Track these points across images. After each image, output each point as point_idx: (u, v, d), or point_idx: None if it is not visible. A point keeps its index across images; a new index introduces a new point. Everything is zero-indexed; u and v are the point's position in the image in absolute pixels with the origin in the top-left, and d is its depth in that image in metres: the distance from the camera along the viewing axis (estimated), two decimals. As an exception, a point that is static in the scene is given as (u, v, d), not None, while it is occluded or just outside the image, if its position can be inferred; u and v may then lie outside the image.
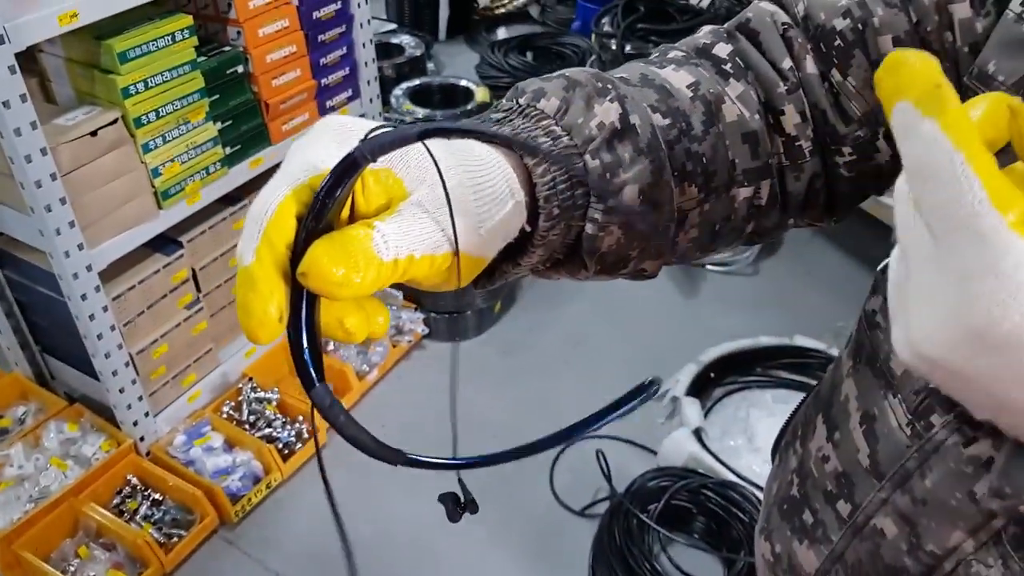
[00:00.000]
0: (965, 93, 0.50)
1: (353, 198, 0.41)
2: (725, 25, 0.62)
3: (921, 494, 0.51)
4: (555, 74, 0.53)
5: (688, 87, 0.55)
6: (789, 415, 0.73)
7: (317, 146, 0.42)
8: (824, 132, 0.59)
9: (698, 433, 2.04)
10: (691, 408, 2.10)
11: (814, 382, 2.21)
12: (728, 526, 1.87)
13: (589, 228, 0.50)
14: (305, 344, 0.40)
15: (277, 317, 0.38)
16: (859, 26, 0.55)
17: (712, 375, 2.26)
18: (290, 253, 0.39)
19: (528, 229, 0.47)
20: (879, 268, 0.58)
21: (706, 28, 0.62)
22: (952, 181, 0.30)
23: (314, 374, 0.40)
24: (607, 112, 0.50)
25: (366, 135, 0.38)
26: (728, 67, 0.58)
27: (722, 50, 0.59)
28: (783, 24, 0.59)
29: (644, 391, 0.41)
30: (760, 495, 1.88)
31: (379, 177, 0.41)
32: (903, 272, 0.36)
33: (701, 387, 2.22)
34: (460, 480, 0.45)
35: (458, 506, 0.45)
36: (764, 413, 2.14)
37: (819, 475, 0.61)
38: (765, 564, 0.68)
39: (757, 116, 0.57)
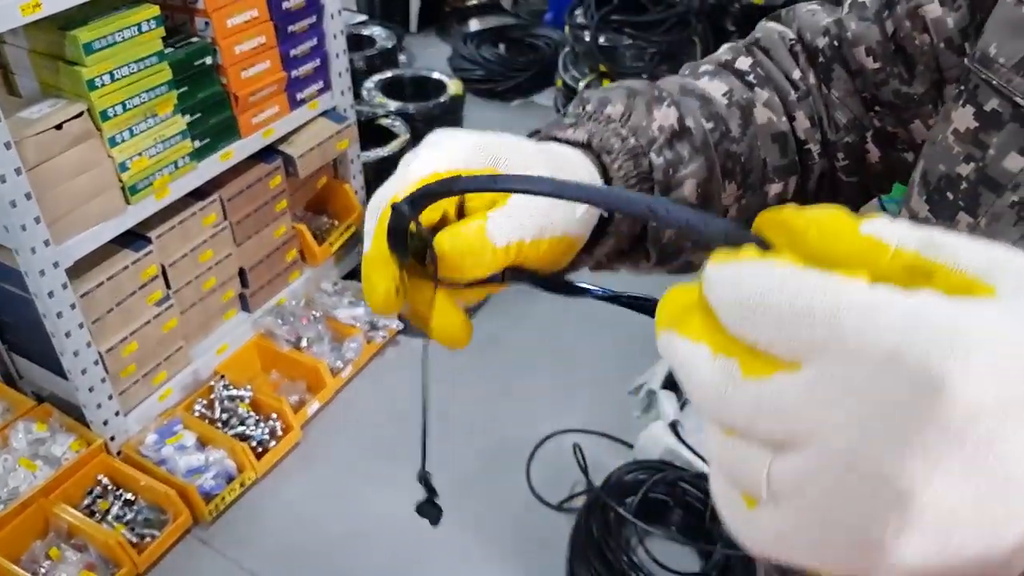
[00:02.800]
0: (967, 76, 0.51)
1: (463, 199, 0.46)
2: (740, 42, 0.68)
3: None
4: (614, 84, 0.59)
5: (723, 95, 0.61)
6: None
7: (438, 152, 0.46)
8: (825, 138, 0.64)
9: (674, 426, 2.04)
10: (667, 401, 2.10)
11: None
12: (705, 518, 1.88)
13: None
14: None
15: (395, 289, 0.43)
16: (835, 42, 0.62)
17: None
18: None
19: (606, 215, 0.53)
20: None
21: (725, 46, 0.68)
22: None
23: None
24: (666, 116, 0.57)
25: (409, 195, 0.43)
26: (751, 78, 0.64)
27: (744, 63, 0.65)
28: (790, 40, 0.65)
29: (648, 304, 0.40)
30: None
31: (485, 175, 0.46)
32: None
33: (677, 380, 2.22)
34: (427, 480, 0.49)
35: (433, 505, 0.49)
36: (740, 405, 2.15)
37: None
38: (768, 564, 0.68)
39: (784, 119, 0.63)
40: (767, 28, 0.67)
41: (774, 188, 0.62)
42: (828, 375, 0.25)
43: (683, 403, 2.18)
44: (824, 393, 0.25)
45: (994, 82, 0.48)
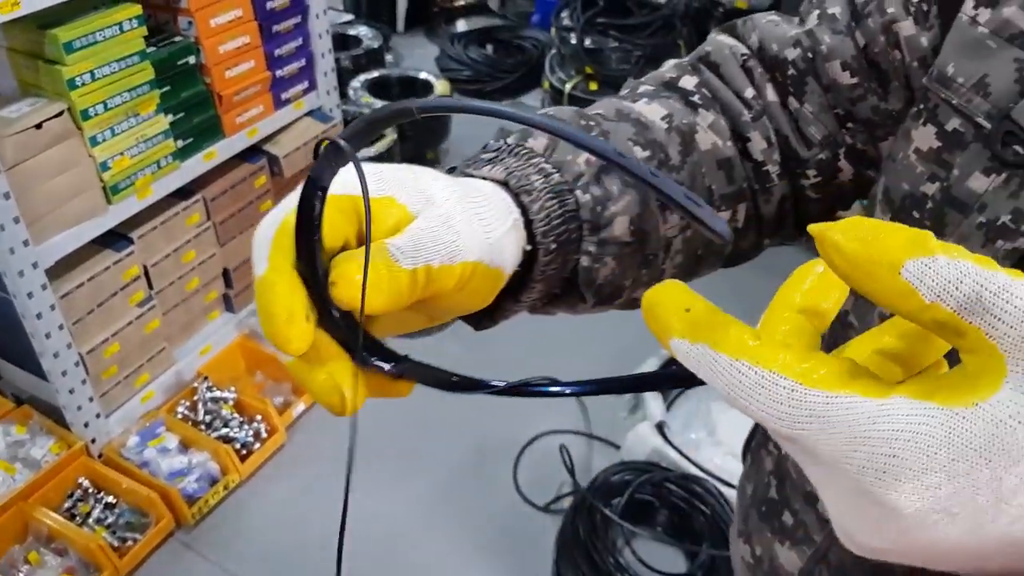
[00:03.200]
0: (926, 95, 0.51)
1: (363, 228, 0.41)
2: (686, 59, 0.64)
3: None
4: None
5: (663, 119, 0.56)
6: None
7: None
8: (789, 156, 0.60)
9: (660, 427, 2.04)
10: (654, 402, 2.10)
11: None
12: (691, 519, 1.88)
13: (584, 261, 0.51)
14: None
15: (304, 316, 0.36)
16: (809, 55, 0.58)
17: (674, 368, 2.26)
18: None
19: (528, 248, 0.48)
20: None
21: (670, 62, 0.64)
22: (756, 389, 0.29)
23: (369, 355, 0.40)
24: None
25: (322, 143, 0.37)
26: (696, 98, 0.60)
27: (688, 82, 0.61)
28: (742, 55, 0.61)
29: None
30: (722, 487, 1.89)
31: (383, 205, 0.41)
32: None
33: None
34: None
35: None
36: (725, 406, 2.13)
37: (797, 476, 0.61)
38: (745, 566, 0.68)
39: (730, 143, 0.59)
40: (717, 42, 0.63)
41: (722, 216, 0.57)
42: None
43: (669, 404, 2.18)
44: None
45: (954, 102, 0.48)
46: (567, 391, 0.40)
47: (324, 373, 0.38)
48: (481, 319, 0.51)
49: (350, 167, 0.37)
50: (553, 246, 0.48)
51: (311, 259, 0.37)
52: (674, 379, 0.39)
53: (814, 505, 0.59)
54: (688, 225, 0.56)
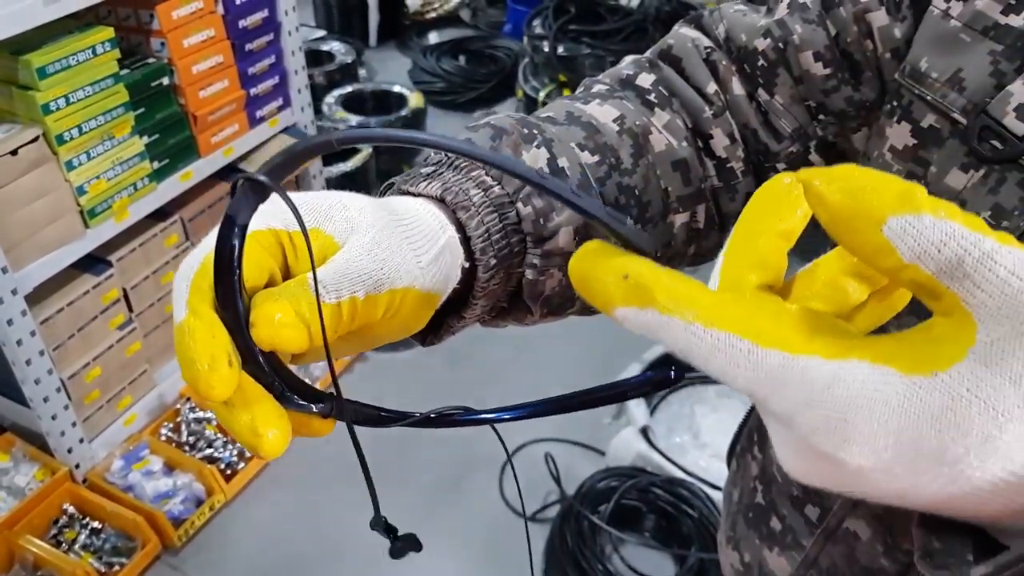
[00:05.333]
0: (899, 92, 0.50)
1: (287, 264, 0.40)
2: (647, 54, 0.62)
3: None
4: (480, 123, 0.53)
5: (614, 121, 0.55)
6: (742, 420, 0.73)
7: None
8: (757, 150, 0.59)
9: (645, 431, 2.05)
10: (637, 407, 2.11)
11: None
12: (678, 523, 1.89)
13: (529, 274, 0.50)
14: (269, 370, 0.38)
15: (226, 361, 0.35)
16: (780, 45, 0.56)
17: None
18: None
19: (467, 265, 0.47)
20: None
21: (628, 58, 0.63)
22: (712, 352, 0.28)
23: (297, 398, 0.39)
24: (535, 158, 0.50)
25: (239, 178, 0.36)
26: (652, 97, 0.58)
27: (645, 80, 0.59)
28: (706, 48, 0.59)
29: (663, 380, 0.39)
30: (708, 490, 1.90)
31: (310, 236, 0.40)
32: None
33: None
34: (385, 524, 0.43)
35: (406, 539, 0.43)
36: (708, 409, 2.16)
37: (783, 480, 0.61)
38: (734, 573, 0.68)
39: (685, 143, 0.57)
40: (680, 35, 0.61)
41: (679, 218, 0.57)
42: None
43: (653, 408, 2.19)
44: None
45: (928, 97, 0.47)
46: (490, 417, 0.41)
47: (247, 416, 0.36)
48: (426, 335, 0.50)
49: (271, 199, 0.35)
50: (493, 261, 0.47)
51: (231, 301, 0.36)
52: (622, 395, 0.40)
53: (801, 510, 0.59)
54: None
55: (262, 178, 0.34)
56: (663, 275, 0.30)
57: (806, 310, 0.29)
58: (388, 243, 0.40)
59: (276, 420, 0.37)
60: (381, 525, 0.42)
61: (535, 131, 0.52)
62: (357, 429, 0.40)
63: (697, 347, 0.29)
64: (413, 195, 0.48)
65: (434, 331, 0.50)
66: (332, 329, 0.38)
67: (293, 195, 0.38)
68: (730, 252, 0.31)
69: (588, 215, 0.33)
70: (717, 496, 1.90)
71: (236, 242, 0.35)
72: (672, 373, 0.38)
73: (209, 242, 0.38)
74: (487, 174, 0.48)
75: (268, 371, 0.37)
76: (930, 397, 0.26)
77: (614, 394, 0.39)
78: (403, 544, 0.41)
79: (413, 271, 0.41)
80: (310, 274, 0.37)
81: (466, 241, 0.46)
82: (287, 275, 0.40)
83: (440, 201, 0.47)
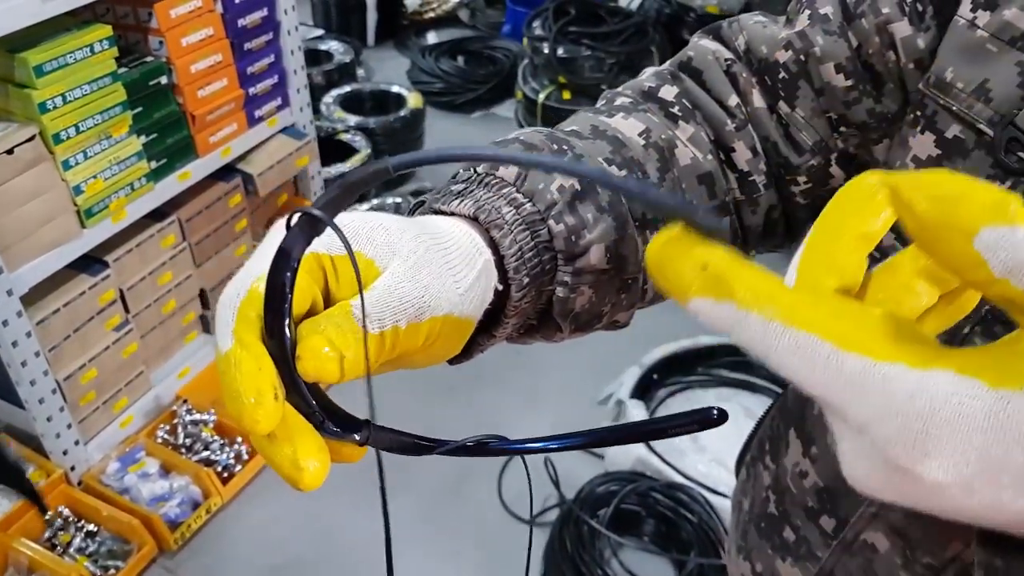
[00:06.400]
0: (922, 102, 0.50)
1: (328, 289, 0.40)
2: (666, 65, 0.62)
3: None
4: (510, 138, 0.53)
5: (640, 135, 0.55)
6: (752, 429, 0.72)
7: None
8: (778, 163, 0.59)
9: (644, 435, 2.04)
10: (636, 411, 2.10)
11: (756, 380, 2.24)
12: (677, 527, 1.88)
13: (560, 291, 0.49)
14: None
15: (272, 395, 0.34)
16: (801, 57, 0.56)
17: (655, 376, 2.27)
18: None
19: (500, 287, 0.46)
20: None
21: (649, 70, 0.62)
22: (791, 353, 0.27)
23: (336, 428, 0.38)
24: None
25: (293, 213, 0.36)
26: (676, 109, 0.58)
27: (668, 92, 0.59)
28: (726, 60, 0.59)
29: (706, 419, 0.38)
30: (708, 495, 1.90)
31: (349, 261, 0.39)
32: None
33: (645, 389, 2.22)
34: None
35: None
36: (708, 413, 2.15)
37: (798, 491, 0.60)
38: None
39: (710, 156, 0.57)
40: (700, 47, 0.61)
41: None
42: None
43: (651, 413, 2.18)
44: None
45: (954, 108, 0.47)
46: (526, 447, 0.40)
47: (289, 448, 0.36)
48: (456, 356, 0.49)
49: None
50: (526, 280, 0.47)
51: (280, 333, 0.36)
52: (659, 432, 0.38)
53: (816, 521, 0.58)
54: None
55: (318, 213, 0.34)
56: (744, 269, 0.29)
57: (889, 315, 0.28)
58: (429, 268, 0.40)
59: (317, 452, 0.36)
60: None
61: (564, 146, 0.52)
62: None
63: (773, 346, 0.28)
64: (445, 214, 0.47)
65: (464, 351, 0.49)
66: (374, 359, 0.37)
67: (339, 218, 0.38)
68: (808, 252, 0.30)
69: (671, 209, 0.31)
70: (717, 501, 1.89)
71: (289, 275, 0.35)
72: (715, 413, 0.37)
73: (255, 266, 0.38)
74: (518, 191, 0.48)
75: (311, 402, 0.37)
76: (1019, 412, 0.25)
77: (654, 430, 0.39)
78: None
79: (452, 298, 0.41)
80: (355, 303, 0.37)
81: (499, 260, 0.46)
82: (326, 296, 0.40)
83: (472, 219, 0.46)
